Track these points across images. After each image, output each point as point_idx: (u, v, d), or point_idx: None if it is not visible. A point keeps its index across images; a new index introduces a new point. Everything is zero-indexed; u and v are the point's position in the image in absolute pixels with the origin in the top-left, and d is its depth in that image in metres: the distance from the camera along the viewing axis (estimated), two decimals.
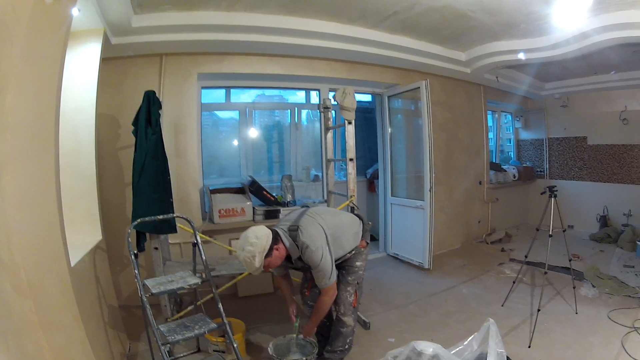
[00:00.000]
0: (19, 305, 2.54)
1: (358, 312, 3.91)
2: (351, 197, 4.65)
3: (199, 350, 4.05)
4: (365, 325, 4.45)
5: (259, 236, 3.09)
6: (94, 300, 3.46)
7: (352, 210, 4.57)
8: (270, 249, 3.11)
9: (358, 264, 3.62)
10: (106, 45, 4.24)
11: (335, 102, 4.72)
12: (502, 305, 4.84)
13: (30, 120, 2.68)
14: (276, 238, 3.22)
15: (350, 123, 4.61)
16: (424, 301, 5.15)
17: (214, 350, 3.88)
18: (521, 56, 5.95)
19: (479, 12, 4.76)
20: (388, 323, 4.55)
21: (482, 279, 5.91)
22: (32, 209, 2.69)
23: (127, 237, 3.25)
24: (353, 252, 3.61)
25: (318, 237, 3.26)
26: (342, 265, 3.58)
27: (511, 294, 4.97)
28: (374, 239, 7.44)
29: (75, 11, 2.94)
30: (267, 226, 3.24)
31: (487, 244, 7.76)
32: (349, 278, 3.58)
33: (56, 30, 2.80)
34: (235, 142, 6.77)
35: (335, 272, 3.33)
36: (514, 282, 5.07)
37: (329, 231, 3.35)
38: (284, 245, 3.28)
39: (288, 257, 3.36)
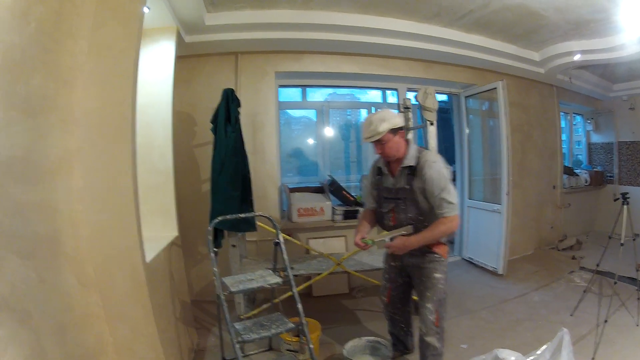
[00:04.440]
0: (83, 298, 2.58)
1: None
2: None
3: (270, 349, 4.02)
4: None
5: (396, 115, 3.06)
6: (166, 295, 3.48)
7: None
8: (398, 131, 3.02)
9: (437, 276, 3.11)
10: (180, 43, 4.31)
11: (416, 102, 4.65)
12: (571, 315, 4.65)
13: (101, 115, 2.72)
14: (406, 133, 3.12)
15: (432, 124, 4.53)
16: (495, 307, 5.02)
17: (286, 350, 3.84)
18: (590, 57, 5.86)
19: (551, 10, 4.68)
20: (461, 328, 4.45)
21: (553, 286, 5.71)
22: (104, 203, 2.73)
23: (208, 234, 3.22)
24: (436, 256, 3.13)
25: (442, 161, 3.06)
26: (420, 278, 3.19)
27: (580, 303, 4.76)
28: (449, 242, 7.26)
29: (144, 9, 2.98)
30: None
31: (559, 250, 7.46)
32: (427, 293, 3.11)
33: (125, 27, 2.81)
34: (311, 141, 6.76)
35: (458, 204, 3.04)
36: (584, 292, 4.87)
37: None
38: (408, 144, 3.12)
39: (391, 172, 3.19)
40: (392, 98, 6.74)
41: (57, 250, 2.40)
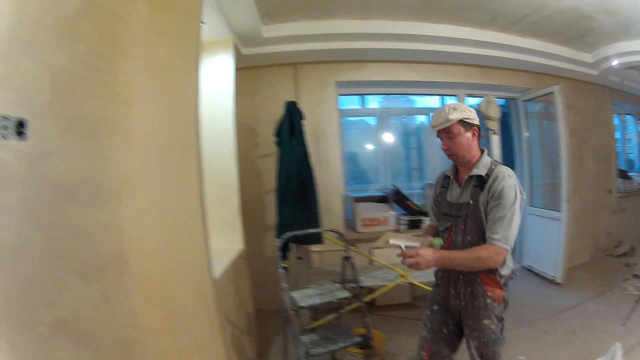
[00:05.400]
0: (147, 313, 2.64)
1: None
2: None
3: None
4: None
5: (472, 109, 2.55)
6: (231, 308, 3.52)
7: None
8: (471, 127, 2.52)
9: (485, 322, 2.48)
10: (237, 55, 4.33)
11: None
12: (623, 325, 4.53)
13: (164, 134, 2.76)
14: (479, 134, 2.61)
15: (495, 133, 4.48)
16: (553, 317, 4.94)
17: None
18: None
19: (601, 13, 4.67)
20: (519, 339, 4.37)
21: (607, 295, 5.58)
22: (169, 220, 2.78)
23: (277, 249, 3.25)
24: (488, 302, 2.48)
25: (519, 184, 2.44)
26: (466, 321, 2.59)
27: (632, 313, 4.65)
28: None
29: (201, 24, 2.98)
30: None
31: (614, 257, 7.30)
32: (475, 334, 2.52)
33: (182, 44, 2.84)
34: (370, 146, 6.75)
35: (514, 240, 2.40)
36: (636, 301, 4.77)
37: None
38: (481, 149, 2.61)
39: (458, 182, 2.66)
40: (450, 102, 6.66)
41: (123, 269, 2.47)
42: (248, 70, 5.11)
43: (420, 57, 5.49)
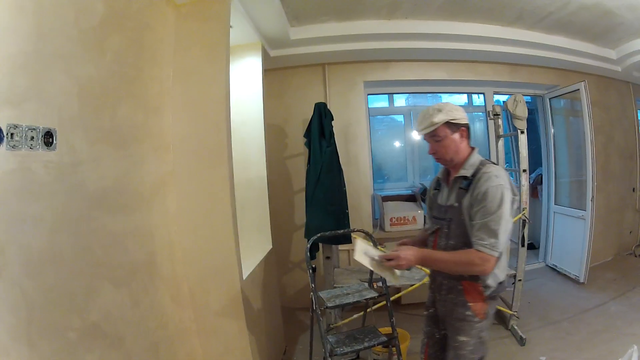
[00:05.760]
0: (176, 315, 2.70)
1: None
2: (523, 209, 4.47)
3: (358, 357, 4.04)
4: (521, 341, 4.31)
5: (458, 108, 2.41)
6: (260, 308, 3.54)
7: (524, 223, 4.40)
8: (458, 127, 2.37)
9: (462, 339, 2.32)
10: (265, 57, 4.34)
11: (504, 110, 4.61)
12: None
13: (193, 137, 2.79)
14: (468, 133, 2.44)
15: (522, 132, 4.46)
16: (576, 317, 4.93)
17: (374, 359, 3.87)
18: None
19: (623, 9, 4.64)
20: (542, 339, 4.43)
21: (629, 295, 5.54)
22: (200, 224, 2.82)
23: (306, 251, 3.21)
24: (467, 314, 2.32)
25: (509, 184, 2.25)
26: (449, 333, 2.47)
27: None
28: (532, 247, 7.06)
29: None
30: None
31: (635, 256, 7.22)
32: (450, 353, 2.40)
33: (210, 50, 2.86)
34: (397, 144, 6.78)
35: (504, 246, 2.18)
36: None
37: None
38: (471, 148, 2.45)
39: (447, 178, 2.54)
40: (478, 100, 6.72)
41: (153, 273, 2.52)
42: (276, 72, 5.15)
43: (448, 55, 5.51)
